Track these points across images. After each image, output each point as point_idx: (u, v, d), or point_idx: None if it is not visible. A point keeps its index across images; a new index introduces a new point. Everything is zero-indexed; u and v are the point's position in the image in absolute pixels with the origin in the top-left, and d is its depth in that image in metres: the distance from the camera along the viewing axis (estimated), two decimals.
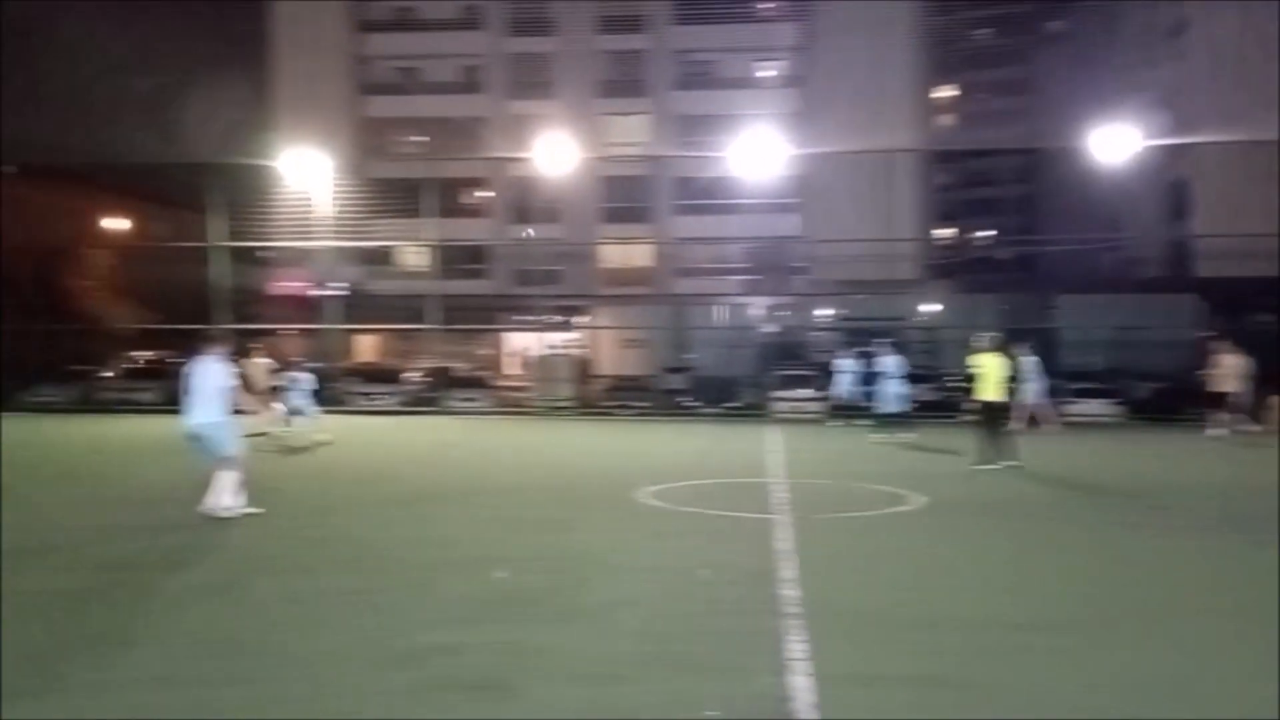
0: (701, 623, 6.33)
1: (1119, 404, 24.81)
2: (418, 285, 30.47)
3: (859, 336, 26.05)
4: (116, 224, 45.65)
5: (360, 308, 31.35)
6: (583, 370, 30.21)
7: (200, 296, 27.73)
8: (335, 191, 28.69)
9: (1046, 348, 21.75)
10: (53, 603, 6.71)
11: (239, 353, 9.99)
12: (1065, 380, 23.60)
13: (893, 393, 19.03)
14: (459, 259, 36.20)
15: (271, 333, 34.00)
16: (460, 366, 30.74)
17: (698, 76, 42.03)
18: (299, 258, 34.11)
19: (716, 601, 6.86)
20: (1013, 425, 14.36)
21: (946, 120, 58.80)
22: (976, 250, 55.61)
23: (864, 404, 21.10)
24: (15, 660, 5.40)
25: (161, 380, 23.77)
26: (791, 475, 13.78)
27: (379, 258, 37.09)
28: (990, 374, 14.13)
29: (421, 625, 6.20)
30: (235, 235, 27.78)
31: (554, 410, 26.54)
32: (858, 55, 38.02)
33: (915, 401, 19.77)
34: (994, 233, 55.48)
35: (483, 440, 19.96)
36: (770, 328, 35.43)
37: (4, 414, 24.85)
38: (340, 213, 29.02)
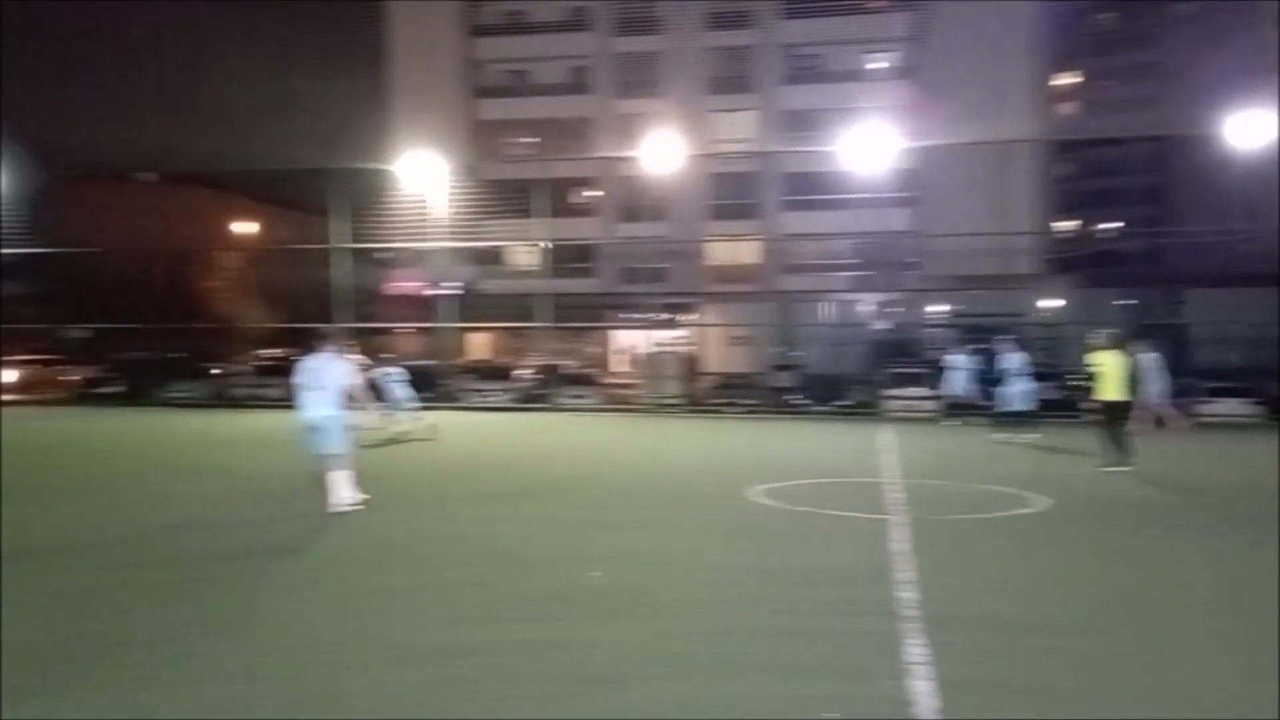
0: (817, 623, 6.24)
1: (1257, 404, 23.52)
2: (528, 284, 30.97)
3: (974, 333, 25.35)
4: (246, 228, 47.97)
5: (473, 306, 32.06)
6: (690, 368, 30.24)
7: (323, 296, 28.86)
8: (449, 193, 29.40)
9: (1176, 345, 20.80)
10: (180, 590, 7.08)
11: (336, 350, 10.37)
12: (1197, 379, 22.48)
13: (1016, 391, 18.44)
14: (568, 258, 36.65)
15: (389, 331, 35.17)
16: (569, 364, 31.15)
17: (806, 70, 41.53)
18: (415, 258, 35.08)
19: (832, 602, 6.77)
20: (1135, 426, 13.77)
21: (1068, 108, 56.62)
22: (1100, 243, 53.36)
23: (981, 402, 20.52)
24: (152, 641, 5.72)
25: (287, 377, 24.81)
26: (906, 475, 13.50)
27: (491, 257, 37.84)
28: (1109, 372, 13.65)
29: (538, 619, 6.30)
30: (356, 237, 28.76)
31: (661, 407, 26.62)
32: (973, 43, 36.96)
33: (1038, 400, 19.12)
34: (1119, 225, 53.12)
35: (591, 437, 20.17)
36: (881, 324, 34.76)
37: (142, 408, 26.38)
38: (454, 214, 29.71)
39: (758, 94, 41.63)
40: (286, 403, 11.23)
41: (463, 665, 5.38)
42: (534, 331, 30.07)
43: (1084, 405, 14.41)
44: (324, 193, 28.85)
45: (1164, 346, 18.14)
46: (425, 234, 29.68)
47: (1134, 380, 13.94)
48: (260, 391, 27.03)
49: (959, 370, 21.82)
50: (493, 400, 27.35)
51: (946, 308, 35.27)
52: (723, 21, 41.60)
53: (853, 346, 30.94)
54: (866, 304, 36.50)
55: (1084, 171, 55.93)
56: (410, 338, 35.77)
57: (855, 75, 41.08)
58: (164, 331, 31.83)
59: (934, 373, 24.19)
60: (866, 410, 25.24)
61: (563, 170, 37.36)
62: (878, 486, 12.31)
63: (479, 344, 39.01)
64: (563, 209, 36.42)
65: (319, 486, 10.08)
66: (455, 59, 43.50)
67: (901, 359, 28.08)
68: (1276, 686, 5.05)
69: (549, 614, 6.41)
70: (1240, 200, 38.50)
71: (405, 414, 18.12)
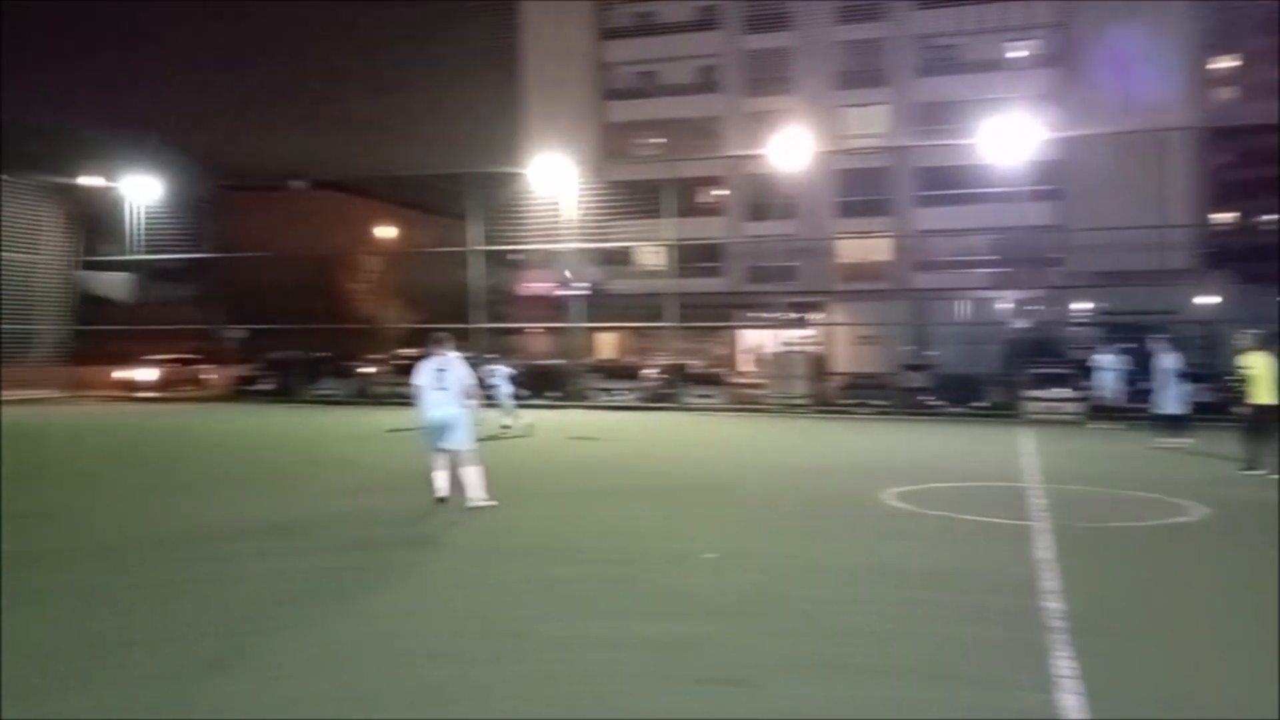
0: (959, 631, 6.06)
1: None
2: (656, 284, 31.11)
3: (1122, 332, 24.12)
4: (386, 231, 49.95)
5: (601, 306, 32.44)
6: (818, 367, 29.79)
7: (458, 297, 29.77)
8: (579, 195, 29.84)
9: None
10: (294, 580, 7.41)
11: (455, 351, 10.65)
12: None
13: (1172, 393, 17.48)
14: (696, 257, 36.65)
15: (520, 331, 35.96)
16: (696, 363, 31.16)
17: (942, 61, 40.34)
18: (546, 259, 35.74)
19: (974, 610, 6.56)
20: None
21: (1226, 93, 53.16)
22: (1262, 236, 49.92)
23: (1130, 404, 19.51)
24: (277, 628, 6.01)
25: None
26: (1049, 480, 12.96)
27: (619, 258, 38.20)
28: (1261, 374, 13.03)
29: (671, 615, 6.34)
30: (489, 240, 29.52)
31: (789, 408, 26.33)
32: (1122, 27, 35.15)
33: (1192, 403, 18.06)
34: None
35: (720, 437, 20.12)
36: (1021, 323, 33.42)
37: (291, 405, 27.77)
38: (583, 215, 30.12)
39: (890, 87, 40.68)
40: None
41: (622, 656, 5.47)
42: (661, 331, 30.20)
43: (1236, 409, 13.67)
44: (460, 196, 29.74)
45: None
46: (556, 235, 30.20)
47: None
48: (399, 389, 28.02)
49: (1107, 371, 20.82)
50: (620, 399, 27.62)
51: (1091, 305, 33.65)
52: (854, 14, 40.79)
53: (990, 345, 29.83)
54: (1005, 301, 35.17)
55: (1245, 160, 52.35)
56: (540, 337, 36.49)
57: (994, 65, 39.64)
58: (311, 332, 33.40)
59: (1079, 373, 23.14)
60: (1005, 412, 24.34)
61: (691, 170, 37.41)
62: (1018, 491, 11.87)
63: (607, 344, 39.45)
64: (691, 209, 36.47)
65: (454, 483, 10.34)
66: (586, 62, 44.11)
67: (1044, 358, 26.91)
68: None
69: (681, 611, 6.44)
70: None
71: (506, 412, 18.86)
